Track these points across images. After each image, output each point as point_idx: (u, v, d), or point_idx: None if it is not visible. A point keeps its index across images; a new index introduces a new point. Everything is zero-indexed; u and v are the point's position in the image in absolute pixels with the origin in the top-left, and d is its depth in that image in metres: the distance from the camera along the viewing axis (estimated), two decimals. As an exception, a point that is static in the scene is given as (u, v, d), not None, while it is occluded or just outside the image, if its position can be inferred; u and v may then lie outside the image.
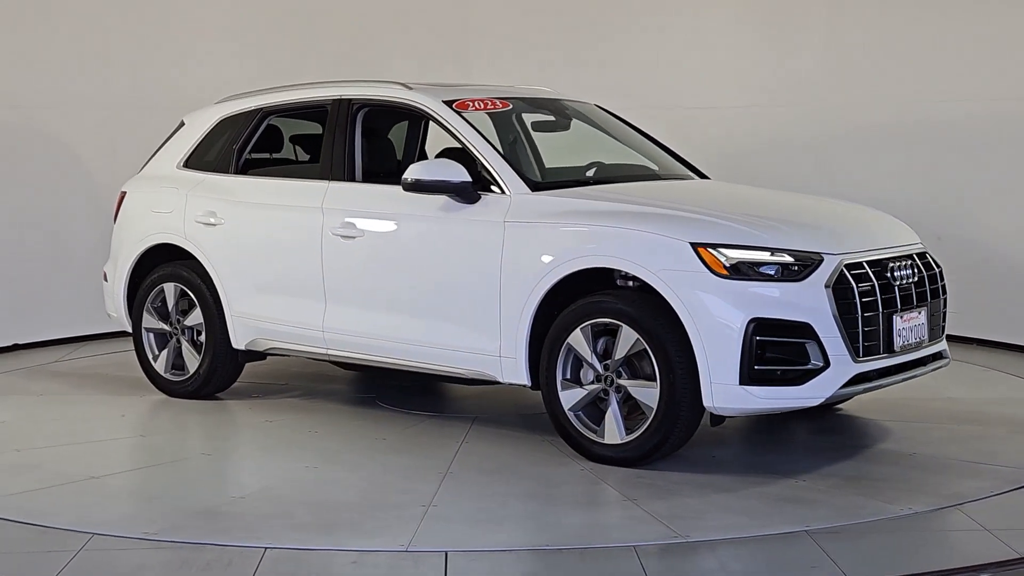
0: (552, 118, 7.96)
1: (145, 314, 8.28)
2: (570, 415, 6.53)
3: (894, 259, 6.47)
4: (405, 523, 5.60)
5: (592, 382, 6.47)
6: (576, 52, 10.47)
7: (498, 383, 6.88)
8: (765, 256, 6.15)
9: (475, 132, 7.10)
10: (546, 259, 6.55)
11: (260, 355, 8.00)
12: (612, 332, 6.40)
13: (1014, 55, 9.13)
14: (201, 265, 7.99)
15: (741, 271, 6.09)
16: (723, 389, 6.08)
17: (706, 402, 6.14)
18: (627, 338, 6.29)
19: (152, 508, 6.00)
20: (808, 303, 6.09)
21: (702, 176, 7.84)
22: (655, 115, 9.39)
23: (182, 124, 8.54)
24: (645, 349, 6.25)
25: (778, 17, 9.99)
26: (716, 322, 6.06)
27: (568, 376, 6.54)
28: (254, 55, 10.65)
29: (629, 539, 5.39)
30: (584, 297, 6.52)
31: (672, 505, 5.82)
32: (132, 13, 10.38)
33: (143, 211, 8.34)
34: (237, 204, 7.84)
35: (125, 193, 8.54)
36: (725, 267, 6.10)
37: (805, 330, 6.06)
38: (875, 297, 6.26)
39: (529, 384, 6.73)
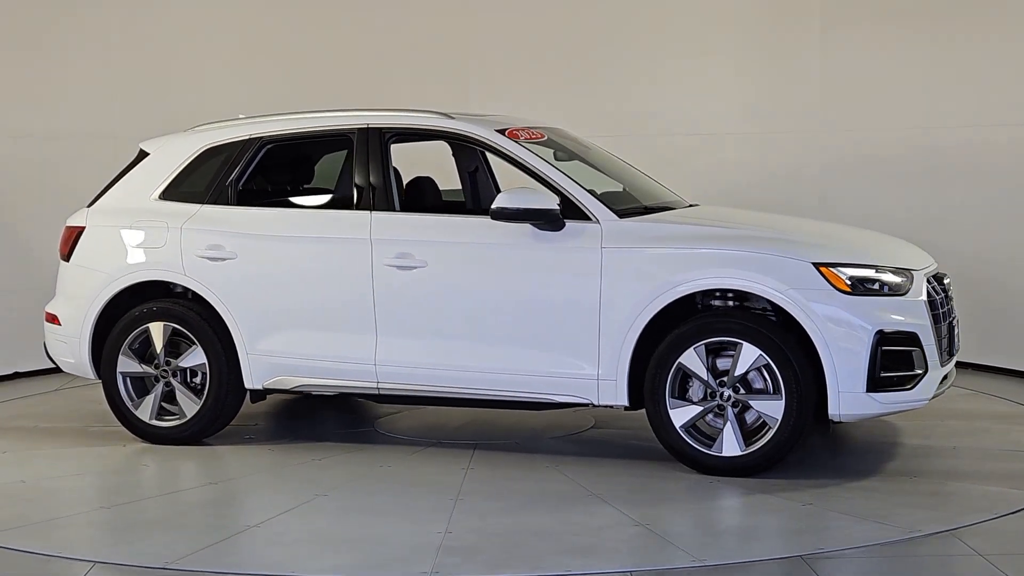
0: None
1: (122, 357, 7.70)
2: (681, 432, 6.80)
3: (937, 275, 7.23)
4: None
5: (703, 399, 6.78)
6: (573, 79, 10.45)
7: (572, 406, 7.08)
8: (871, 273, 6.72)
9: (545, 161, 7.22)
10: (655, 283, 6.78)
11: (263, 395, 7.67)
12: (718, 350, 6.73)
13: (1011, 81, 9.29)
14: (204, 302, 7.55)
15: (860, 287, 6.63)
16: (850, 397, 6.57)
17: (832, 411, 6.60)
18: (748, 355, 6.65)
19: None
20: (913, 314, 6.71)
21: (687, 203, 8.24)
22: (650, 142, 9.66)
23: (145, 154, 8.01)
24: (767, 364, 6.63)
25: (774, 47, 10.16)
26: (845, 335, 6.56)
27: (675, 395, 6.81)
28: (241, 83, 10.45)
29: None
30: (689, 319, 6.81)
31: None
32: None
33: (115, 247, 7.75)
34: (251, 237, 7.49)
35: (81, 228, 7.90)
36: (847, 284, 6.61)
37: (913, 339, 6.67)
38: (944, 308, 6.98)
39: (627, 405, 6.93)
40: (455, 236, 7.20)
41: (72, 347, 7.86)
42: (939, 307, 6.91)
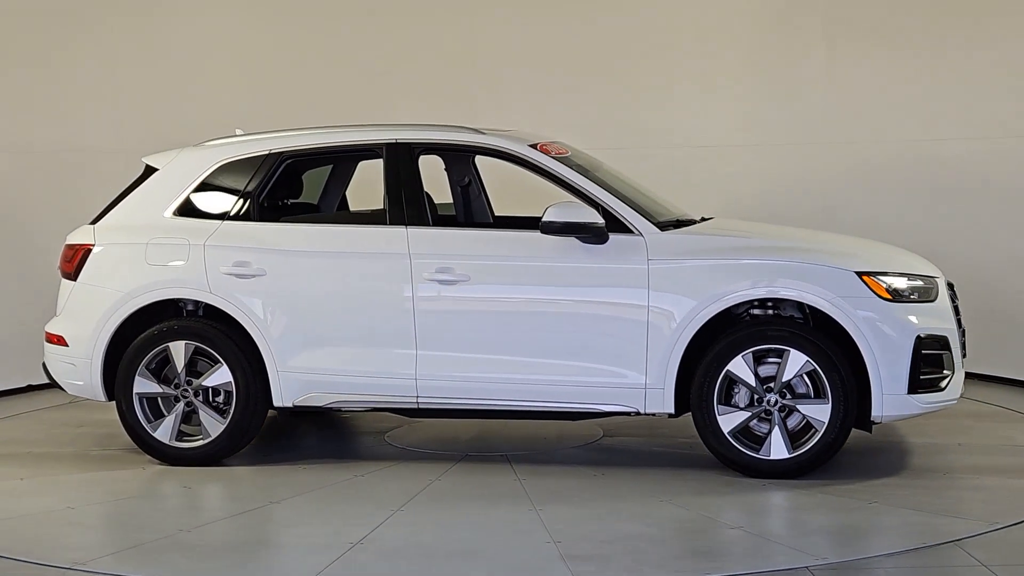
0: None
1: (138, 378, 7.51)
2: (729, 437, 7.03)
3: (948, 283, 7.64)
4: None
5: (749, 404, 7.03)
6: (576, 93, 10.42)
7: (615, 415, 7.29)
8: (907, 282, 7.08)
9: (583, 176, 7.36)
10: (705, 294, 6.99)
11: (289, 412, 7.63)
12: (759, 358, 6.99)
13: (1013, 93, 9.40)
14: (228, 319, 7.44)
15: (898, 295, 6.99)
16: (893, 399, 6.92)
17: (875, 412, 6.93)
18: (795, 361, 6.93)
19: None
20: (943, 319, 7.12)
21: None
22: (652, 155, 9.72)
23: (152, 169, 7.83)
24: (813, 369, 6.92)
25: (777, 59, 10.23)
26: (890, 340, 6.90)
27: (721, 401, 7.04)
28: (246, 97, 10.38)
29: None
30: (735, 328, 7.06)
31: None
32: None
33: (131, 265, 7.56)
34: (280, 253, 7.41)
35: (89, 246, 7.67)
36: (888, 291, 6.96)
37: (944, 343, 7.07)
38: (959, 315, 7.40)
39: (673, 412, 7.13)
40: (497, 250, 7.28)
41: (82, 369, 7.62)
42: (957, 312, 7.32)
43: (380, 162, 7.61)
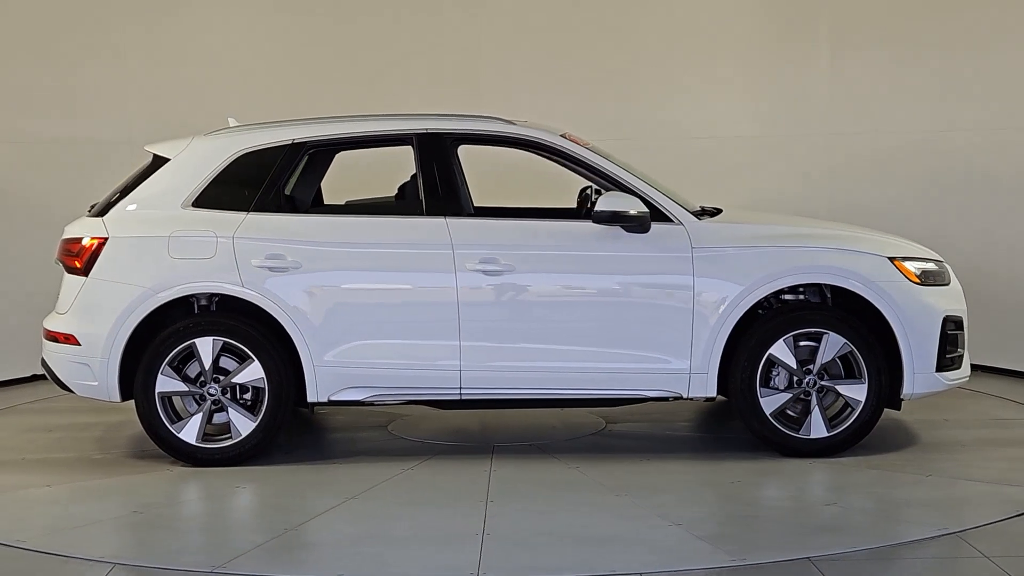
0: None
1: (161, 377, 7.21)
2: (771, 419, 7.28)
3: None
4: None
5: (789, 387, 7.28)
6: (582, 85, 10.30)
7: (657, 399, 7.43)
8: (930, 266, 7.47)
9: (618, 167, 7.46)
10: (749, 280, 7.21)
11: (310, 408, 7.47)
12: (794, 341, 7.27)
13: (1020, 87, 9.48)
14: (265, 313, 7.22)
15: (926, 278, 7.37)
16: (923, 377, 7.30)
17: (907, 390, 7.29)
18: (833, 343, 7.23)
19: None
20: (959, 301, 7.55)
21: None
22: (655, 147, 9.71)
23: (162, 159, 7.51)
24: (850, 351, 7.23)
25: (784, 51, 10.25)
26: (922, 321, 7.27)
27: (761, 384, 7.28)
28: (251, 88, 10.27)
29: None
30: (774, 313, 7.31)
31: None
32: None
33: (153, 259, 7.24)
34: (316, 245, 7.23)
35: (102, 239, 7.30)
36: (917, 276, 7.34)
37: (959, 323, 7.50)
38: None
39: (715, 396, 7.33)
40: (541, 240, 7.30)
41: (96, 368, 7.24)
42: None
43: (365, 153, 7.55)
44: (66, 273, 7.42)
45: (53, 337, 7.39)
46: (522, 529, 5.99)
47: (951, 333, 7.40)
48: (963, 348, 7.52)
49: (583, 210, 7.80)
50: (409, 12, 10.45)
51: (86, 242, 7.31)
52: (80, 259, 7.32)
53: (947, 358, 7.37)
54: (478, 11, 10.46)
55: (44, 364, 7.52)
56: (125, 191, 7.49)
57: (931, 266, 7.47)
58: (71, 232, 7.46)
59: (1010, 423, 8.24)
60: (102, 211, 7.45)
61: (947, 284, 7.52)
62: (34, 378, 9.74)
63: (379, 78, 10.33)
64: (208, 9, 10.42)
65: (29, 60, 10.05)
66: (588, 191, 7.92)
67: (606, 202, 7.19)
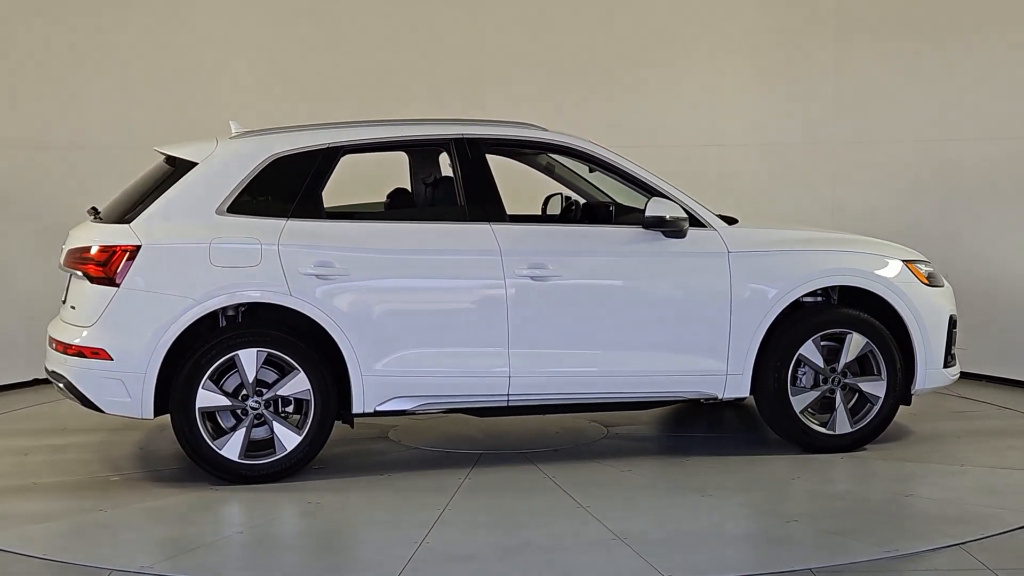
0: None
1: (202, 391, 6.89)
2: (801, 417, 7.56)
3: None
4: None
5: (815, 385, 7.58)
6: (591, 92, 10.19)
7: (695, 400, 7.66)
8: (931, 268, 7.92)
9: (650, 173, 7.58)
10: (783, 283, 7.46)
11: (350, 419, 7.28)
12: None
13: (1022, 94, 9.51)
14: (304, 323, 7.00)
15: (933, 280, 7.82)
16: (933, 373, 7.73)
17: (918, 385, 7.70)
18: (857, 343, 7.57)
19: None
20: (953, 301, 8.02)
21: None
22: (660, 154, 9.53)
23: (182, 162, 7.16)
24: (871, 350, 7.59)
25: (788, 58, 10.28)
26: (932, 320, 7.70)
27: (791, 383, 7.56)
28: (258, 93, 10.23)
29: None
30: (801, 314, 7.58)
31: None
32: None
33: (195, 267, 6.90)
34: (363, 252, 7.06)
35: (133, 248, 6.89)
36: (927, 277, 7.78)
37: (954, 322, 7.99)
38: None
39: (746, 396, 7.56)
40: (586, 245, 7.36)
41: (130, 384, 6.84)
42: None
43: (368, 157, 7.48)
44: (86, 282, 6.96)
45: (79, 352, 6.91)
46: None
47: (952, 331, 7.87)
48: (955, 346, 7.99)
49: (567, 216, 7.99)
50: (414, 17, 10.40)
51: (114, 249, 6.87)
52: (109, 268, 6.88)
53: (950, 355, 7.83)
54: (480, 18, 10.41)
55: (56, 377, 7.04)
56: (146, 196, 7.09)
57: (932, 268, 7.92)
58: (86, 239, 7.00)
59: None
60: (123, 217, 7.03)
61: (942, 286, 7.98)
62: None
63: (380, 82, 10.23)
64: (210, 13, 10.26)
65: (29, 64, 9.97)
66: (561, 198, 8.10)
67: (655, 207, 7.30)
